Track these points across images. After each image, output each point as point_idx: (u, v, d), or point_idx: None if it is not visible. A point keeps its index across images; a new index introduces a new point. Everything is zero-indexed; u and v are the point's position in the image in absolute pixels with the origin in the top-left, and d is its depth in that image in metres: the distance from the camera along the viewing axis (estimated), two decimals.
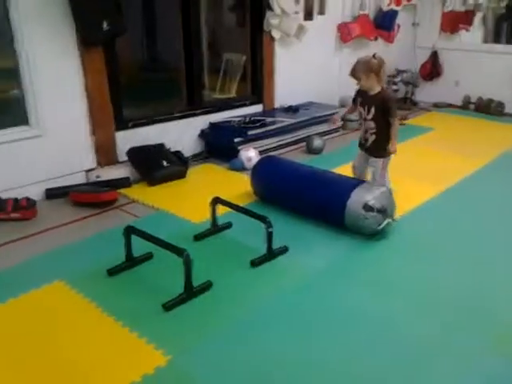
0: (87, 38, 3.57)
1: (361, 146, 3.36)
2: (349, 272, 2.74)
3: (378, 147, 3.21)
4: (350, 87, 5.80)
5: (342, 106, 5.59)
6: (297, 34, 5.16)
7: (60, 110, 3.62)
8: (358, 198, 2.96)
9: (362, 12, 5.95)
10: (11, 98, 3.62)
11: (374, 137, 3.21)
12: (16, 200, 3.29)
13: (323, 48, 5.71)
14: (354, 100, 3.34)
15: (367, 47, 6.20)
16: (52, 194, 3.63)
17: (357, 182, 3.16)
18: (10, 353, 2.11)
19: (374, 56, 3.11)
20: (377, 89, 3.13)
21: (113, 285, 2.60)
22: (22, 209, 3.27)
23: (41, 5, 3.38)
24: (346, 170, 3.57)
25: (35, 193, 3.54)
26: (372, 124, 3.18)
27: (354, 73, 3.14)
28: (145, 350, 2.11)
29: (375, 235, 3.03)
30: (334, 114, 4.61)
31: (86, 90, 3.73)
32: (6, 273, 2.69)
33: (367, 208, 2.91)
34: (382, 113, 3.12)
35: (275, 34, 5.01)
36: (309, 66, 5.49)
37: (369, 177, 3.38)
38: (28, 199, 3.33)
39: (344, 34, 5.82)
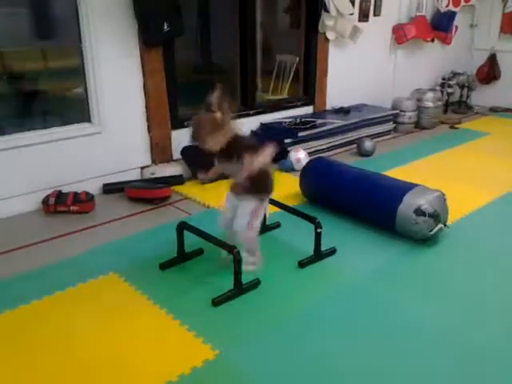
0: (148, 38, 3.70)
1: None
2: (398, 277, 2.70)
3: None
4: (404, 89, 5.80)
5: (395, 108, 5.51)
6: (351, 35, 5.13)
7: (120, 108, 3.77)
8: (409, 202, 2.92)
9: (418, 13, 5.84)
10: (76, 95, 3.81)
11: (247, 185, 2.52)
12: (76, 194, 3.45)
13: (377, 50, 5.64)
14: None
15: (423, 49, 6.09)
16: (109, 189, 3.78)
17: (409, 185, 3.11)
18: (63, 338, 2.21)
19: (210, 106, 2.33)
20: (227, 139, 2.40)
21: (164, 278, 2.68)
22: (81, 202, 3.43)
23: (106, 5, 3.53)
24: (397, 174, 3.53)
25: (93, 187, 3.71)
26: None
27: (196, 137, 2.40)
28: (194, 343, 2.17)
29: (426, 240, 2.98)
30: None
31: (144, 89, 3.87)
32: (65, 263, 2.83)
33: (419, 212, 2.87)
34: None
35: (330, 35, 5.01)
36: (362, 67, 5.45)
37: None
38: (87, 193, 3.49)
39: (399, 35, 5.73)
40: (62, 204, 3.41)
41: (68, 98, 3.92)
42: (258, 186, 2.56)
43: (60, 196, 3.44)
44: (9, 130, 3.43)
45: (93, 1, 3.46)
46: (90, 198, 3.47)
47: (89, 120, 3.68)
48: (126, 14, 3.63)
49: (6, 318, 2.35)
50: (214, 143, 2.37)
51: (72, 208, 3.41)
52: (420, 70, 6.18)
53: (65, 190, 3.51)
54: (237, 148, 2.39)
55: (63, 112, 3.87)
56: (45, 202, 3.43)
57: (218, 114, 2.32)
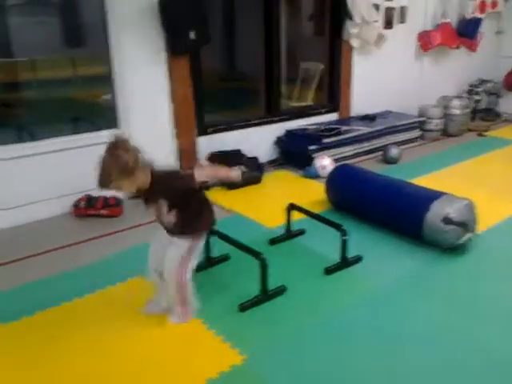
0: (175, 46, 3.76)
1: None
2: (425, 285, 2.68)
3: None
4: (431, 96, 5.76)
5: (421, 115, 5.48)
6: (376, 42, 5.12)
7: (147, 114, 3.84)
8: (437, 211, 2.90)
9: (443, 20, 5.80)
10: (105, 102, 3.89)
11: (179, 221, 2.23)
12: (105, 198, 3.52)
13: (403, 57, 5.62)
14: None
15: (448, 56, 6.04)
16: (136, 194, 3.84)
17: (437, 193, 3.08)
18: (92, 340, 2.25)
19: (116, 147, 2.07)
20: (146, 180, 2.10)
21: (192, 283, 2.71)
22: (111, 206, 3.50)
23: (134, 15, 3.61)
24: (423, 181, 3.51)
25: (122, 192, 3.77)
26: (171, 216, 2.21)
27: (103, 183, 2.04)
28: (222, 347, 2.18)
29: (454, 249, 2.95)
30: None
31: (171, 97, 3.93)
32: (95, 266, 2.89)
33: (447, 221, 2.84)
34: (177, 199, 2.17)
35: (354, 42, 5.01)
36: (387, 74, 5.43)
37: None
38: (116, 198, 3.55)
39: (425, 42, 5.69)
40: (92, 208, 3.48)
41: (97, 104, 4.00)
42: (193, 220, 2.24)
43: (90, 200, 3.51)
44: (41, 136, 3.53)
45: (121, 10, 3.54)
46: (118, 202, 3.54)
47: (118, 126, 3.76)
48: (154, 23, 3.70)
49: (38, 319, 2.41)
50: (126, 188, 2.08)
51: (102, 212, 3.48)
52: (446, 77, 6.13)
53: (94, 194, 3.58)
54: (162, 187, 2.11)
55: (93, 118, 3.95)
56: (76, 205, 3.51)
57: (126, 156, 2.00)
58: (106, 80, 3.76)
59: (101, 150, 3.60)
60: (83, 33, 4.73)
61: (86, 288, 2.63)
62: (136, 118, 3.78)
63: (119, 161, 1.99)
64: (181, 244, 2.24)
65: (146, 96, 3.80)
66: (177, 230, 2.23)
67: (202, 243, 2.33)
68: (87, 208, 3.49)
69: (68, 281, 2.73)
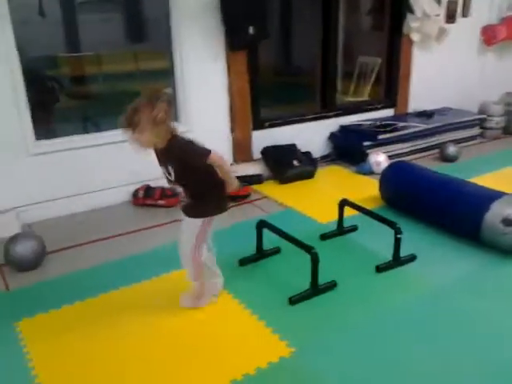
0: (234, 41, 3.83)
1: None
2: (482, 288, 2.61)
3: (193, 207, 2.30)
4: (493, 93, 5.54)
5: (482, 113, 5.29)
6: (437, 36, 4.99)
7: (205, 108, 3.94)
8: (497, 211, 2.81)
9: (510, 13, 5.55)
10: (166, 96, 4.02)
11: (190, 201, 2.29)
12: (163, 189, 3.65)
13: (465, 52, 5.44)
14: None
15: None
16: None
17: (497, 193, 2.99)
18: (145, 325, 2.35)
19: (156, 98, 2.03)
20: (165, 140, 2.11)
21: (243, 274, 2.77)
22: (168, 197, 3.62)
23: (196, 11, 3.71)
24: (482, 181, 3.40)
25: None
26: (180, 188, 2.30)
27: (130, 122, 2.02)
28: (271, 339, 2.23)
29: None
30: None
31: (229, 91, 4.01)
32: (152, 253, 3.01)
33: (507, 222, 2.76)
34: (186, 171, 2.17)
35: (414, 36, 4.90)
36: (448, 70, 5.28)
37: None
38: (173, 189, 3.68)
39: (489, 37, 5.48)
40: (150, 198, 3.62)
41: None
42: (204, 203, 2.27)
43: (148, 190, 3.66)
44: (105, 127, 3.70)
45: (183, 6, 3.65)
46: (175, 193, 3.65)
47: (177, 119, 3.87)
48: (214, 19, 3.78)
49: (99, 301, 2.55)
50: (145, 138, 2.03)
51: (159, 202, 3.61)
52: (510, 74, 5.87)
53: (153, 185, 3.72)
54: (176, 151, 2.10)
55: None
56: (135, 195, 3.67)
57: (161, 107, 2.00)
58: (166, 74, 3.89)
59: None
60: (146, 28, 4.90)
61: (141, 275, 2.75)
62: (194, 111, 3.88)
63: (154, 109, 1.98)
64: (191, 224, 2.28)
65: (205, 90, 3.90)
66: (188, 211, 2.29)
67: (211, 227, 2.33)
68: (145, 198, 3.63)
69: (125, 267, 2.87)
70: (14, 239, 2.83)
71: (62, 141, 3.54)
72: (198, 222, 2.27)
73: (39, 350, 2.18)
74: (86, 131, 3.83)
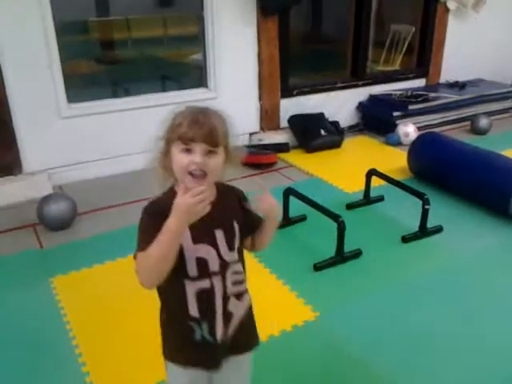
0: (267, 6, 3.77)
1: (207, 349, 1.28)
2: (506, 262, 2.60)
3: (252, 323, 1.46)
4: None
5: None
6: (474, 5, 4.82)
7: (235, 75, 3.92)
8: None
9: None
10: (194, 62, 4.01)
11: (246, 298, 1.41)
12: None
13: (501, 22, 5.24)
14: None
15: None
16: None
17: None
18: None
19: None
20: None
21: None
22: None
23: None
24: None
25: None
26: (239, 266, 1.30)
27: (213, 138, 1.15)
28: (296, 303, 2.27)
29: None
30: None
31: (258, 58, 3.97)
32: None
33: None
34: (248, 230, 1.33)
35: (451, 4, 4.75)
36: (483, 40, 5.11)
37: None
38: None
39: None
40: None
41: (186, 64, 4.13)
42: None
43: None
44: (134, 92, 3.73)
45: None
46: None
47: (206, 86, 3.87)
48: None
49: (127, 261, 2.61)
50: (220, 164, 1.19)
51: None
52: None
53: None
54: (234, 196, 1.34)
55: (181, 77, 4.10)
56: None
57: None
58: (196, 40, 3.87)
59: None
60: None
61: None
62: (224, 78, 3.87)
63: (226, 119, 1.22)
64: (250, 362, 1.44)
65: (235, 56, 3.87)
66: (249, 333, 1.44)
67: None
68: None
69: None
70: (46, 199, 2.91)
71: (92, 104, 3.58)
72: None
73: (71, 302, 2.28)
74: (115, 95, 3.87)
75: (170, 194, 1.19)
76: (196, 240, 1.19)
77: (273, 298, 2.32)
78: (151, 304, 2.25)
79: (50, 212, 2.87)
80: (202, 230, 1.19)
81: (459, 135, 4.32)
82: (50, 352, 2.00)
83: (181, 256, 1.16)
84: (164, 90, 4.04)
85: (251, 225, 1.32)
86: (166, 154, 1.19)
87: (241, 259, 1.31)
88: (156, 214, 1.15)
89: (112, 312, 2.23)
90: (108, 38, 4.75)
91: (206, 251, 1.21)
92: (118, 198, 3.30)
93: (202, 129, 1.13)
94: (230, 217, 1.27)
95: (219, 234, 1.23)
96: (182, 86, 3.94)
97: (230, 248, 1.25)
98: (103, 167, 3.64)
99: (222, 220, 1.24)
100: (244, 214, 1.31)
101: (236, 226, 1.27)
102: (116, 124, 3.63)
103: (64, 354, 1.99)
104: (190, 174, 1.13)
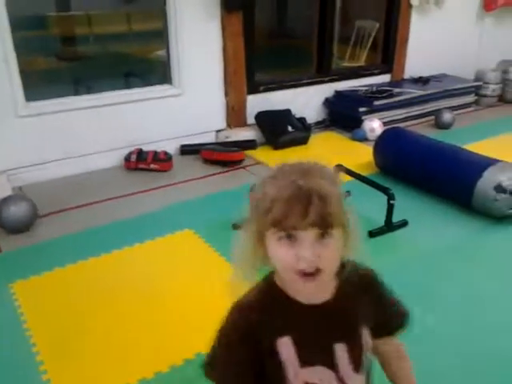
0: (229, 1, 3.72)
1: None
2: (471, 255, 2.64)
3: None
4: (490, 60, 5.48)
5: (478, 80, 5.24)
6: (437, 1, 4.89)
7: (199, 70, 3.86)
8: (490, 178, 2.82)
9: None
10: (157, 58, 3.94)
11: None
12: (156, 153, 3.61)
13: (463, 17, 5.34)
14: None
15: None
16: (186, 150, 3.92)
17: (490, 160, 2.99)
18: (142, 284, 2.37)
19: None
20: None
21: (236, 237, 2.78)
22: (161, 161, 3.59)
23: None
24: (476, 148, 3.39)
25: (171, 148, 3.84)
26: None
27: (326, 218, 0.81)
28: None
29: (504, 218, 2.88)
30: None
31: (223, 53, 3.92)
32: (145, 217, 3.00)
33: (499, 189, 2.77)
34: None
35: (413, 0, 4.80)
36: (445, 35, 5.19)
37: None
38: (166, 153, 3.64)
39: (489, 1, 5.37)
40: (143, 162, 3.58)
41: (150, 60, 4.05)
42: None
43: (141, 154, 3.61)
44: (96, 89, 3.63)
45: None
46: (168, 157, 3.62)
47: (170, 82, 3.80)
48: None
49: (90, 264, 2.55)
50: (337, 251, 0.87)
51: (152, 166, 3.58)
52: (508, 40, 5.79)
53: (145, 148, 3.68)
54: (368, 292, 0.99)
55: (145, 74, 4.02)
56: (127, 158, 3.63)
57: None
58: (159, 35, 3.79)
59: (153, 105, 3.73)
60: None
61: (135, 238, 2.74)
62: (188, 75, 3.81)
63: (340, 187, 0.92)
64: None
65: (199, 52, 3.81)
66: None
67: None
68: (138, 162, 3.59)
69: (118, 230, 2.86)
70: (5, 201, 2.81)
71: (52, 102, 3.47)
72: None
73: (32, 308, 2.20)
74: (77, 93, 3.76)
75: (268, 290, 0.85)
76: (305, 361, 0.83)
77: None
78: (116, 308, 2.21)
79: (9, 214, 2.76)
80: (314, 346, 0.84)
81: (423, 130, 4.38)
82: (9, 360, 1.93)
83: None
84: (128, 87, 3.95)
85: (383, 326, 0.94)
86: (259, 241, 0.84)
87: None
88: (241, 339, 0.81)
89: (75, 317, 2.16)
90: (69, 34, 4.62)
91: (319, 376, 0.84)
92: (80, 198, 3.22)
93: (307, 208, 0.76)
94: (354, 321, 0.89)
95: (340, 350, 0.86)
96: (146, 83, 3.86)
97: (357, 368, 0.87)
98: (65, 167, 3.54)
99: (343, 328, 0.87)
100: (376, 308, 0.93)
101: (364, 333, 0.89)
102: (78, 122, 3.53)
103: (24, 362, 1.92)
104: (299, 272, 0.80)
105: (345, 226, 0.85)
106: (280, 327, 0.85)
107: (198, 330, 2.06)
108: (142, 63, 4.44)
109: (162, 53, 3.92)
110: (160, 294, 2.31)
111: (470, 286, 2.39)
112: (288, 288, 0.86)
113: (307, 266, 0.79)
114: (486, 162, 2.95)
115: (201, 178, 3.57)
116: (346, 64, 5.29)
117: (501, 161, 2.98)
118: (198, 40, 3.77)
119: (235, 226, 2.83)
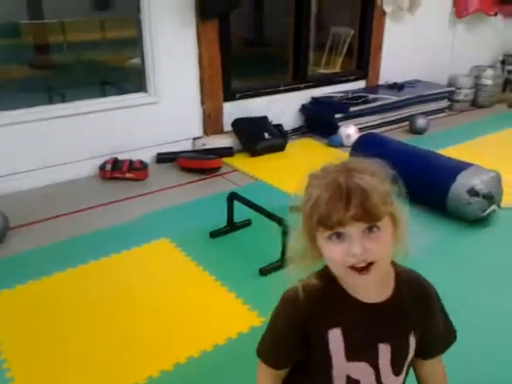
0: (206, 9, 3.72)
1: None
2: (446, 257, 2.67)
3: None
4: (462, 66, 5.59)
5: (451, 85, 5.33)
6: (410, 7, 4.98)
7: (175, 79, 3.84)
8: (463, 182, 2.86)
9: None
10: (133, 66, 3.91)
11: None
12: (131, 161, 3.58)
13: (436, 23, 5.44)
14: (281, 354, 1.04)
15: (485, 24, 5.82)
16: (162, 158, 3.89)
17: (463, 164, 3.04)
18: (117, 295, 2.34)
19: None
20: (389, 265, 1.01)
21: (214, 246, 2.76)
22: (136, 170, 3.56)
23: None
24: (450, 153, 3.45)
25: (147, 156, 3.81)
26: None
27: (371, 211, 0.86)
28: (241, 309, 2.24)
29: (478, 221, 2.93)
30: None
31: (199, 61, 3.92)
32: (120, 227, 2.97)
33: (472, 193, 2.82)
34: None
35: (387, 7, 4.87)
36: (419, 42, 5.28)
37: None
38: (141, 162, 3.61)
39: (460, 8, 5.49)
40: (118, 171, 3.54)
41: (125, 68, 4.02)
42: None
43: (116, 163, 3.58)
44: (69, 98, 3.59)
45: None
46: (144, 166, 3.59)
47: (145, 90, 3.78)
48: None
49: (66, 275, 2.51)
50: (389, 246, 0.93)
51: (127, 175, 3.55)
52: (481, 46, 5.91)
53: (120, 157, 3.64)
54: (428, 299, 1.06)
55: (120, 82, 3.99)
56: (102, 168, 3.59)
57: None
58: (134, 43, 3.77)
59: (128, 114, 3.70)
60: None
61: (111, 248, 2.71)
62: (164, 82, 3.79)
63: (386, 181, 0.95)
64: None
65: (175, 60, 3.80)
66: None
67: None
68: (113, 171, 3.55)
69: (94, 241, 2.82)
70: None
71: (25, 112, 3.41)
72: None
73: (4, 323, 2.14)
74: (51, 102, 3.71)
75: (326, 282, 0.87)
76: (351, 356, 0.85)
77: (218, 307, 2.28)
78: (93, 318, 2.18)
79: None
80: (362, 343, 0.86)
81: (398, 135, 4.44)
82: None
83: (326, 375, 0.86)
84: (103, 95, 3.92)
85: (428, 343, 0.93)
86: (311, 242, 0.89)
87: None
88: (288, 325, 0.89)
89: (49, 329, 2.11)
90: (42, 42, 4.56)
91: (361, 371, 0.87)
92: (54, 209, 3.16)
93: (349, 203, 0.79)
94: (405, 325, 0.90)
95: (384, 350, 0.87)
96: (121, 91, 3.83)
97: (396, 371, 0.88)
98: (38, 177, 3.48)
99: (392, 329, 0.88)
100: (429, 324, 0.94)
101: (412, 340, 0.90)
102: (52, 132, 3.47)
103: None
104: (351, 268, 0.83)
105: (394, 218, 0.90)
106: (332, 319, 0.89)
107: (175, 340, 2.06)
108: (116, 71, 4.41)
109: (137, 61, 3.90)
110: (137, 304, 2.28)
111: (445, 288, 2.40)
112: (345, 284, 0.89)
113: (356, 261, 0.82)
114: (460, 166, 3.00)
115: (177, 186, 3.54)
116: (321, 71, 5.34)
117: (474, 165, 3.02)
118: (174, 48, 3.76)
119: (213, 234, 2.82)
